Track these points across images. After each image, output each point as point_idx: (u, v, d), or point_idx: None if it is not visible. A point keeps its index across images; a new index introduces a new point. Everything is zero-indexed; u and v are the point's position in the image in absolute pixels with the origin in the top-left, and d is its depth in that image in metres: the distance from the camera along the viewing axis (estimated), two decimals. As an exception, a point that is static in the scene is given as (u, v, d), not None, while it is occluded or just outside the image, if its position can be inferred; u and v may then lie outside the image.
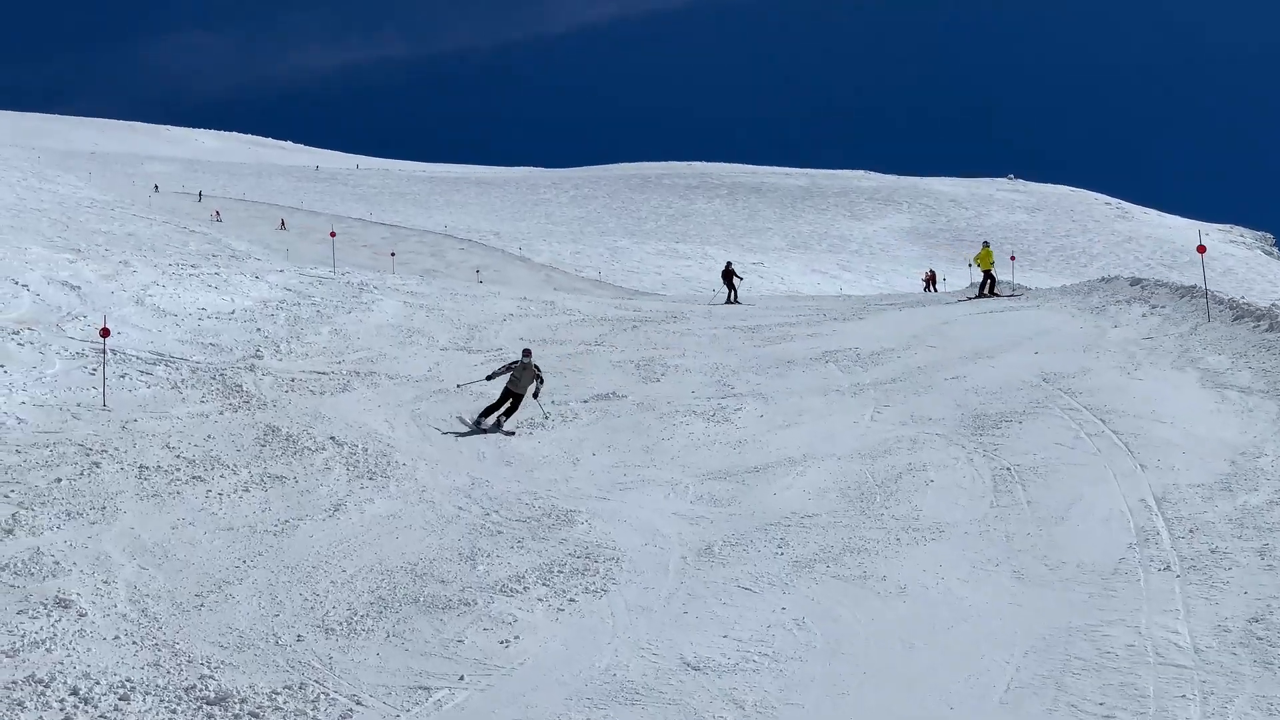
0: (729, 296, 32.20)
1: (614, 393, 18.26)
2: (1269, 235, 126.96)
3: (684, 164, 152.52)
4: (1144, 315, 21.41)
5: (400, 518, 12.85)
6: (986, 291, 27.30)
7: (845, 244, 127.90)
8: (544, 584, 10.67)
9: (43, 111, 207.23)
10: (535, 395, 16.91)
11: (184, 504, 13.10)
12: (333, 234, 30.89)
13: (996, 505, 12.11)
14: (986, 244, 28.88)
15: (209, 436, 15.49)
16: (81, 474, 13.75)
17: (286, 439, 15.49)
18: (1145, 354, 18.22)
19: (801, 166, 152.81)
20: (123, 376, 17.66)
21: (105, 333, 17.17)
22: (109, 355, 18.41)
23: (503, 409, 16.75)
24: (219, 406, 16.97)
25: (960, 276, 70.24)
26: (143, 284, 23.63)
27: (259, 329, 21.71)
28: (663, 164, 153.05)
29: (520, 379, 16.89)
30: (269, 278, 26.48)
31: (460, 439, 16.06)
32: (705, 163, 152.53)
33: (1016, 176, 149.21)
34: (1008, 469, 13.16)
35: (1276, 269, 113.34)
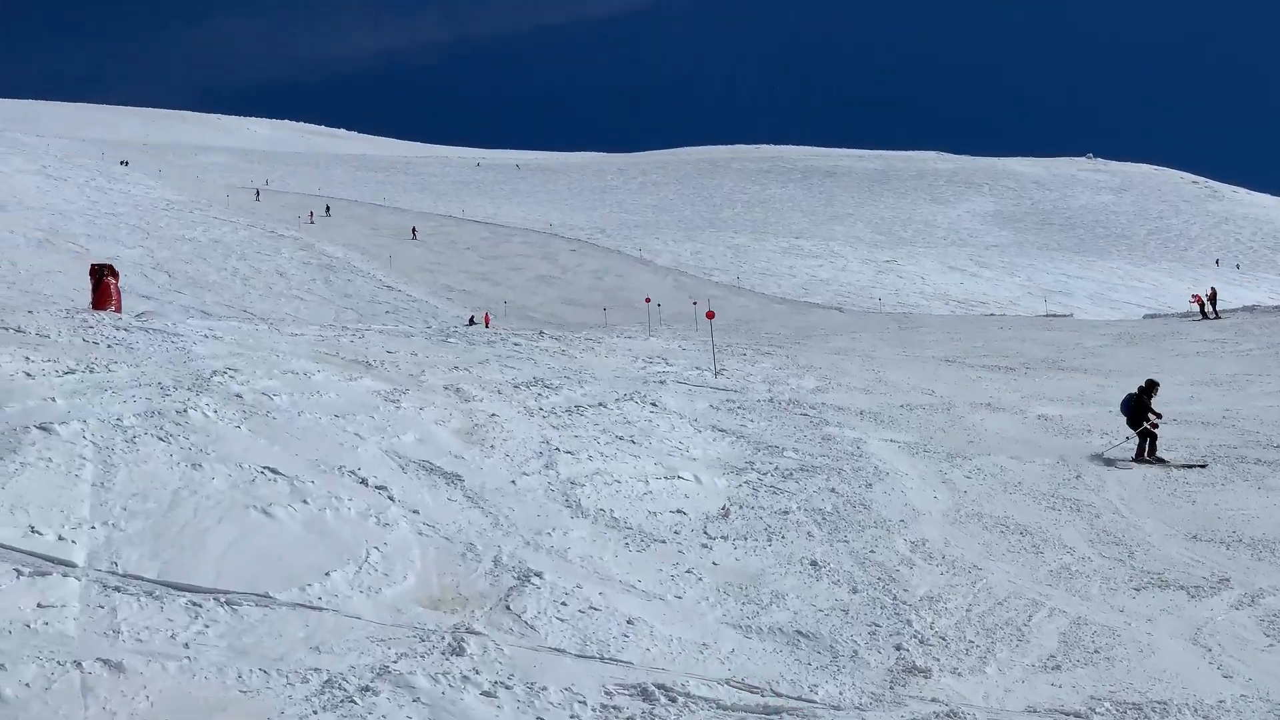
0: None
1: None
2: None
3: (751, 147, 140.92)
4: None
5: None
6: None
7: (932, 230, 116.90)
8: None
9: (83, 101, 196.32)
10: None
11: None
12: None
13: None
14: None
15: None
16: None
17: None
18: None
19: (871, 148, 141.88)
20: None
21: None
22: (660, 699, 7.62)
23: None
24: None
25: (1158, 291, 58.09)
26: (532, 445, 12.43)
27: (814, 562, 10.58)
28: (730, 147, 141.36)
29: None
30: (666, 400, 15.41)
31: None
32: (774, 145, 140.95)
33: (1095, 155, 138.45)
34: None
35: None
